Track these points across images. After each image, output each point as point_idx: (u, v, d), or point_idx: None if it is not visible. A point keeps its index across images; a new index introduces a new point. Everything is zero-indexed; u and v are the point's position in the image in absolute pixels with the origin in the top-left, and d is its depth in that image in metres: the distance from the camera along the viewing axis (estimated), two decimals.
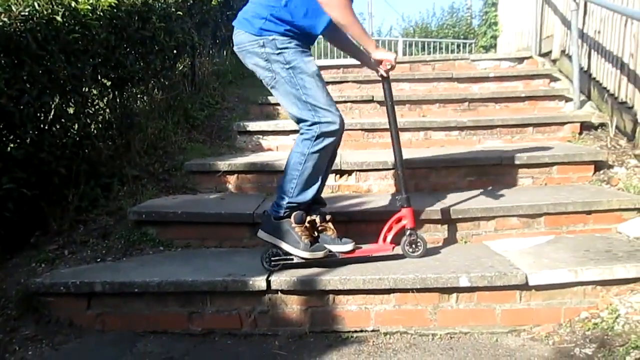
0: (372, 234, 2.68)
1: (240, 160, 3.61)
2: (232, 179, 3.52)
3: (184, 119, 4.33)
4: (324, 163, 2.51)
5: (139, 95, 4.16)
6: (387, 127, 3.94)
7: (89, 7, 3.11)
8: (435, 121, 4.14)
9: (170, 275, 2.44)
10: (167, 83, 4.44)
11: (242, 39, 2.47)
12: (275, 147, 4.15)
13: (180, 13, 4.28)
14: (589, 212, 2.93)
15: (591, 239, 2.82)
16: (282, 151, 4.11)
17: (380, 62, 2.54)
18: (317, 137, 2.39)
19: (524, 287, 2.34)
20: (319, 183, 2.50)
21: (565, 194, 3.11)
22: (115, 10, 3.41)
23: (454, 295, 2.36)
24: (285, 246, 2.44)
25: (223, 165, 3.50)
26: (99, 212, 3.17)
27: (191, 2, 4.64)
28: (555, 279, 2.34)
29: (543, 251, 2.64)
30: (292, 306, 2.40)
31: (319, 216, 2.54)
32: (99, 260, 2.78)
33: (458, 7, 13.99)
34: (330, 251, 2.49)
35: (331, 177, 3.40)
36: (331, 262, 2.49)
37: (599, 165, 3.48)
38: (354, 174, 3.43)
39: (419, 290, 2.34)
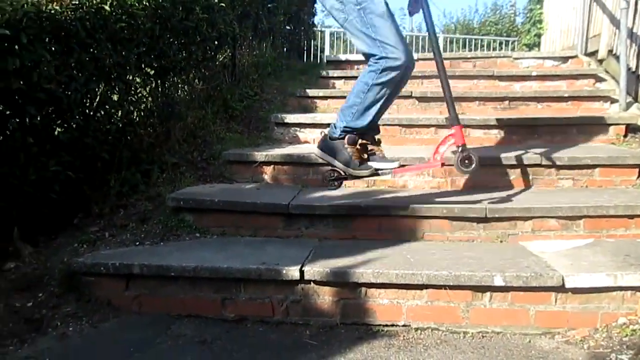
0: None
1: (276, 152, 3.64)
2: (268, 170, 3.56)
3: (223, 109, 4.40)
4: (385, 95, 2.64)
5: (180, 85, 4.24)
6: (425, 123, 3.97)
7: None
8: (475, 119, 4.08)
9: (205, 261, 2.49)
10: (207, 73, 4.52)
11: None
12: (312, 139, 4.17)
13: (223, 5, 4.33)
14: (631, 217, 2.84)
15: (632, 244, 2.75)
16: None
17: None
18: (382, 70, 2.56)
19: (560, 289, 2.30)
20: (376, 112, 2.68)
21: (606, 197, 3.03)
22: (160, 1, 3.48)
23: (488, 294, 2.34)
24: (336, 163, 2.72)
25: (260, 155, 3.54)
26: (138, 197, 3.26)
27: None
28: (593, 282, 2.28)
29: (581, 254, 2.58)
30: (324, 297, 2.42)
31: (371, 139, 2.77)
32: (137, 243, 2.86)
33: (502, 4, 13.73)
34: (376, 169, 2.75)
35: None
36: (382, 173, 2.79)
37: None
38: None
39: (451, 287, 2.33)
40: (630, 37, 4.46)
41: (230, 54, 4.96)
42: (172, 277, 2.46)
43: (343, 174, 2.77)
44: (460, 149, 2.71)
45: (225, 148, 3.80)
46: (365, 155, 2.76)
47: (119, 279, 2.51)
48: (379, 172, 2.78)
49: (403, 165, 2.83)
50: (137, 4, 3.21)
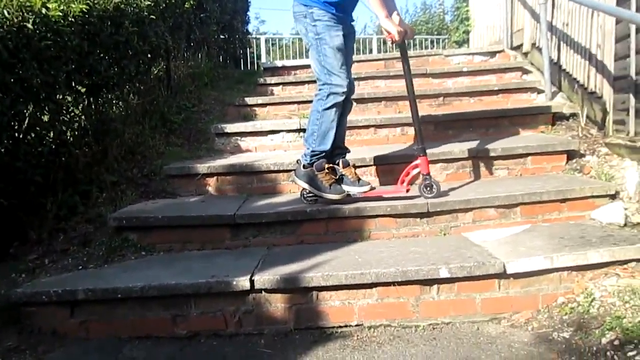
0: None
1: (219, 163, 3.61)
2: (211, 182, 3.53)
3: (161, 123, 4.32)
4: (336, 117, 2.99)
5: (114, 101, 4.13)
6: (364, 124, 4.04)
7: (60, 14, 3.08)
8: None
9: (153, 279, 2.44)
10: (142, 88, 4.42)
11: (296, 9, 3.03)
12: (253, 147, 4.16)
13: (154, 17, 4.25)
14: (563, 201, 3.00)
15: (566, 226, 2.90)
16: (260, 152, 4.13)
17: (387, 32, 2.97)
18: (328, 95, 2.95)
19: (502, 275, 2.40)
20: (335, 133, 3.00)
21: (539, 183, 3.18)
22: (87, 16, 3.38)
23: (435, 286, 2.41)
24: (310, 189, 3.02)
25: (202, 167, 3.50)
26: (78, 220, 3.16)
27: (164, 5, 4.61)
28: (532, 266, 2.40)
29: (520, 240, 2.70)
30: (277, 304, 2.43)
31: (341, 162, 3.08)
32: (80, 268, 2.77)
33: (430, 3, 14.16)
34: (348, 193, 3.00)
35: None
36: (351, 199, 3.03)
37: (571, 155, 3.56)
38: None
39: (400, 283, 2.38)
40: (551, 30, 4.70)
41: (164, 67, 4.88)
42: (120, 299, 2.40)
43: (314, 194, 3.03)
44: (424, 177, 3.03)
45: (166, 162, 3.73)
46: (336, 178, 3.02)
47: (63, 306, 2.42)
48: (351, 194, 3.02)
49: (373, 188, 3.06)
50: (62, 21, 3.10)
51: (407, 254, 2.58)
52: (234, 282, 2.37)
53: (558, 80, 4.63)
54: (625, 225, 2.81)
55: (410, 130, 4.09)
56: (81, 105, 3.68)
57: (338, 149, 3.13)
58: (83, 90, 3.64)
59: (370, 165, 3.46)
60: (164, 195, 3.51)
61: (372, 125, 4.12)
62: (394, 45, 3.13)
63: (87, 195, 3.32)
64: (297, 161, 3.12)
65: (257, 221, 2.94)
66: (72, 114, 3.58)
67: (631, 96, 3.29)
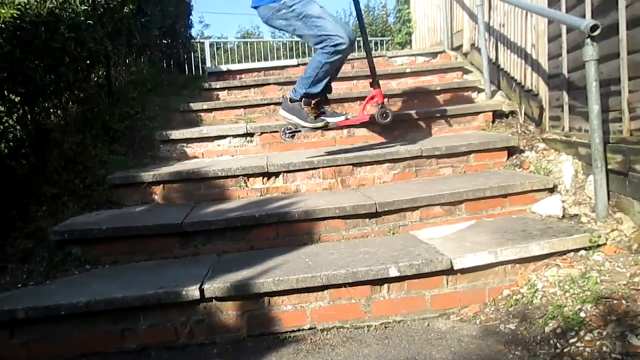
0: None
1: (165, 170, 3.54)
2: (158, 190, 3.45)
3: (103, 131, 4.19)
4: (333, 69, 3.42)
5: (52, 110, 3.98)
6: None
7: None
8: (357, 117, 4.22)
9: (99, 293, 2.37)
10: (82, 95, 4.27)
11: (264, 12, 3.35)
12: (200, 154, 4.10)
13: (91, 22, 4.12)
14: (505, 196, 3.10)
15: (508, 220, 3.00)
16: (208, 158, 4.07)
17: None
18: (332, 53, 3.28)
19: (450, 271, 2.46)
20: (327, 81, 3.44)
21: (482, 180, 3.28)
22: (18, 22, 3.24)
23: (385, 285, 2.44)
24: (296, 120, 3.44)
25: (147, 176, 3.42)
26: (16, 235, 3.03)
27: (102, 10, 4.48)
28: (478, 261, 2.47)
29: (465, 236, 2.77)
30: (228, 312, 2.40)
31: (323, 99, 3.54)
32: (20, 285, 2.65)
33: (374, 5, 14.31)
34: (328, 122, 3.50)
35: (258, 180, 3.43)
36: (331, 128, 3.71)
37: (511, 151, 3.69)
38: (281, 175, 3.45)
39: (351, 285, 2.40)
40: (488, 31, 4.86)
41: (104, 73, 4.74)
42: (63, 316, 2.31)
43: (296, 128, 3.53)
44: (380, 105, 3.66)
45: (109, 172, 3.62)
46: (320, 111, 3.49)
47: (2, 327, 2.31)
48: (329, 124, 3.54)
49: (347, 118, 3.60)
50: None
51: (357, 255, 2.60)
52: (184, 292, 2.33)
53: (497, 79, 4.79)
54: (563, 217, 2.93)
55: (357, 132, 4.20)
56: (15, 115, 3.52)
57: (323, 91, 3.52)
58: (17, 99, 3.49)
59: (318, 168, 3.49)
60: (108, 205, 3.41)
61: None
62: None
63: (27, 208, 3.18)
64: (283, 97, 3.55)
65: (206, 228, 2.89)
66: (6, 124, 3.42)
67: (564, 93, 3.44)
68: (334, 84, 3.79)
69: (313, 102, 3.45)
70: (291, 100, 3.46)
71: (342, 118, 3.55)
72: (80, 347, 2.33)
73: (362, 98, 4.77)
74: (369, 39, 12.08)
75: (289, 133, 3.57)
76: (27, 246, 2.94)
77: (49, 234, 2.88)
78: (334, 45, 3.25)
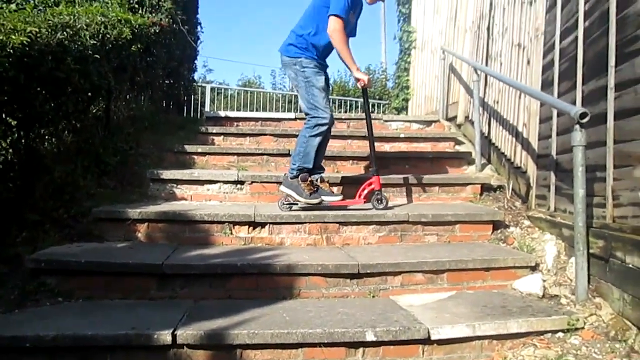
0: None
1: (152, 209, 3.52)
2: (142, 228, 3.42)
3: (94, 163, 4.18)
4: (318, 143, 3.83)
5: (47, 137, 3.99)
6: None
7: None
8: (348, 177, 4.29)
9: (68, 328, 2.31)
10: (79, 125, 4.29)
11: (285, 59, 3.93)
12: (189, 196, 4.10)
13: (98, 56, 4.20)
14: (487, 269, 3.12)
15: (489, 294, 3.00)
16: (196, 201, 4.07)
17: (357, 79, 3.92)
18: (314, 126, 3.79)
19: (427, 341, 2.43)
20: (316, 155, 3.85)
21: (466, 251, 3.30)
22: (27, 49, 3.30)
23: (361, 349, 2.41)
24: (294, 195, 3.77)
25: (133, 213, 3.40)
26: None
27: (110, 46, 4.57)
28: (455, 333, 2.45)
29: (445, 306, 2.76)
30: None
31: (319, 177, 3.89)
32: None
33: (374, 68, 14.70)
34: (323, 200, 3.79)
35: (244, 228, 3.43)
36: (324, 207, 3.78)
37: (496, 225, 3.73)
38: (267, 226, 3.46)
39: (326, 345, 2.37)
40: (483, 105, 5.01)
41: (104, 107, 4.78)
42: (28, 348, 2.24)
43: (292, 200, 3.78)
44: (376, 193, 3.85)
45: (95, 205, 3.60)
46: (316, 188, 3.80)
47: None
48: (324, 202, 3.79)
49: (343, 199, 3.87)
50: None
51: (335, 315, 2.57)
52: (155, 336, 2.28)
53: (488, 152, 4.90)
54: (543, 296, 2.94)
55: (347, 191, 4.19)
56: (10, 138, 3.52)
57: (316, 169, 3.91)
58: (14, 122, 3.50)
59: (305, 223, 3.50)
60: (90, 238, 3.37)
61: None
62: (361, 89, 4.09)
63: (7, 233, 3.13)
64: (285, 175, 3.91)
65: (186, 272, 2.86)
66: None
67: (552, 174, 3.52)
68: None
69: (309, 179, 3.79)
70: (290, 178, 3.82)
71: (337, 199, 3.85)
72: None
73: (354, 158, 4.87)
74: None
75: (287, 204, 3.77)
76: (2, 271, 2.88)
77: (26, 261, 2.84)
78: (317, 118, 3.77)
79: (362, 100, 13.10)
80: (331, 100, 3.87)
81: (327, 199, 3.81)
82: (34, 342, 2.24)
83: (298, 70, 3.84)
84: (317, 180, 3.87)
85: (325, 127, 3.78)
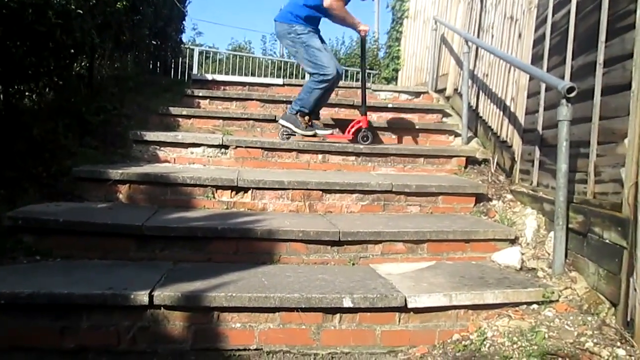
0: None
1: (134, 170, 3.48)
2: (123, 189, 3.39)
3: (76, 122, 4.11)
4: (322, 93, 4.37)
5: (27, 93, 3.90)
6: (286, 147, 4.06)
7: None
8: (334, 144, 4.26)
9: (44, 287, 2.29)
10: (61, 83, 4.21)
11: (280, 28, 4.40)
12: (172, 159, 4.05)
13: (81, 12, 4.08)
14: (467, 241, 3.14)
15: (467, 266, 3.03)
16: (179, 163, 4.03)
17: (363, 30, 4.52)
18: (320, 81, 4.30)
19: (403, 309, 2.45)
20: (316, 104, 4.41)
21: (447, 222, 3.31)
22: (6, 0, 3.19)
23: (338, 315, 2.42)
24: (292, 127, 4.35)
25: (115, 173, 3.36)
26: None
27: (94, 1, 4.44)
28: (432, 302, 2.47)
29: (423, 276, 2.78)
30: (175, 322, 2.34)
31: (314, 116, 4.47)
32: None
33: (366, 38, 14.50)
34: (316, 132, 4.39)
35: (226, 193, 3.40)
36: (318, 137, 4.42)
37: (479, 198, 3.74)
38: (250, 191, 3.43)
39: (303, 310, 2.38)
40: (472, 78, 4.98)
41: (87, 65, 4.68)
42: (2, 305, 2.21)
43: (290, 132, 4.34)
44: (363, 130, 4.41)
45: (76, 164, 3.54)
46: (311, 124, 4.39)
47: None
48: (317, 134, 4.39)
49: (332, 133, 4.54)
50: None
51: (313, 281, 2.58)
52: (132, 296, 2.27)
53: (475, 126, 4.88)
54: (521, 269, 2.97)
55: (332, 159, 4.23)
56: None
57: (314, 114, 4.46)
58: None
59: (287, 189, 3.47)
60: (70, 198, 3.33)
61: (295, 150, 4.16)
62: (361, 40, 4.80)
63: None
64: (285, 110, 4.50)
65: (166, 234, 2.84)
66: None
67: (537, 149, 3.52)
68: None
69: (307, 117, 4.35)
70: (290, 113, 4.37)
71: (330, 132, 4.50)
72: (16, 339, 2.24)
73: (342, 122, 4.84)
74: (357, 70, 12.26)
75: (285, 135, 4.31)
76: None
77: (3, 218, 2.79)
78: (324, 75, 4.24)
79: (351, 69, 13.31)
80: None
81: (320, 132, 4.39)
82: (9, 299, 2.22)
83: (294, 38, 4.27)
84: (313, 118, 4.45)
85: (329, 81, 4.27)
